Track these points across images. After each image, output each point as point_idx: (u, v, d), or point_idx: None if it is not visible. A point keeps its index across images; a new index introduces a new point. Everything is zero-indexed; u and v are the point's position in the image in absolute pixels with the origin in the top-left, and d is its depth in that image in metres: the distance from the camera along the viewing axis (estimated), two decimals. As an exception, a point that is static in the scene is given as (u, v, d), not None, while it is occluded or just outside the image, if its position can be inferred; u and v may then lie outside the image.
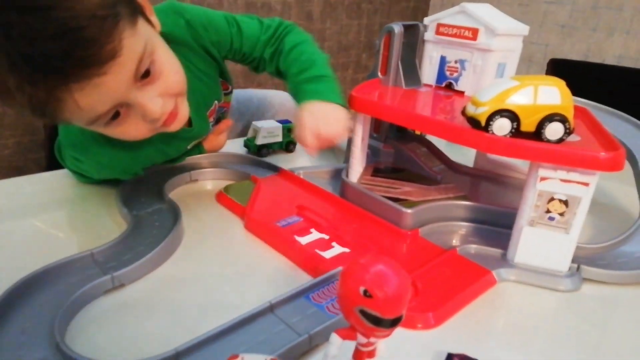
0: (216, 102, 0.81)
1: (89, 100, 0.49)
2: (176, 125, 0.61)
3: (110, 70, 0.48)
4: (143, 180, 0.72)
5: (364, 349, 0.38)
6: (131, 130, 0.57)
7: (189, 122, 0.72)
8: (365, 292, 0.33)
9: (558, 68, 1.22)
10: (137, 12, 0.53)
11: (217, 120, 0.86)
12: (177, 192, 0.73)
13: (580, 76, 1.21)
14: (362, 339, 0.37)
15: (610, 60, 1.75)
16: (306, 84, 0.76)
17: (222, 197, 0.69)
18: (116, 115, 0.54)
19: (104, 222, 0.64)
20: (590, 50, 1.79)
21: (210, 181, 0.77)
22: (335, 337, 0.36)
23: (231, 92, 1.06)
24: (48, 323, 0.43)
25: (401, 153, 0.79)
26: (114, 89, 0.50)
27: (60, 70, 0.45)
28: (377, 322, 0.34)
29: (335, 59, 2.13)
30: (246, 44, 0.79)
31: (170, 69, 0.58)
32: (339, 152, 0.95)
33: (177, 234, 0.58)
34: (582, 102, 0.77)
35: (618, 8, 1.69)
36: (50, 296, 0.47)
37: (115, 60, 0.48)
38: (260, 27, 0.81)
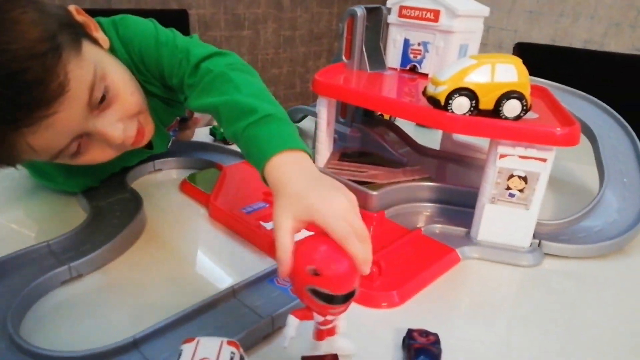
0: (177, 117, 0.75)
1: (44, 140, 0.47)
2: (145, 141, 0.59)
3: (61, 107, 0.45)
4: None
5: (323, 327, 0.38)
6: (97, 156, 0.55)
7: (149, 144, 0.64)
8: (314, 271, 0.33)
9: (524, 52, 1.23)
10: (80, 35, 0.50)
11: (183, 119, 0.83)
12: (140, 182, 0.71)
13: (546, 59, 1.23)
14: (319, 318, 0.37)
15: (577, 44, 1.78)
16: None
17: (186, 185, 0.68)
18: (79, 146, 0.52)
19: (63, 214, 0.62)
20: (557, 35, 1.82)
21: (174, 170, 0.76)
22: (292, 319, 0.36)
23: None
24: (1, 315, 0.42)
25: (368, 137, 0.79)
26: (68, 125, 0.48)
27: (7, 118, 0.43)
28: (329, 299, 0.34)
29: (307, 47, 2.12)
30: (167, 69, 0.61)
31: (126, 90, 0.54)
32: (308, 138, 0.95)
33: (138, 223, 0.57)
34: (544, 82, 0.78)
35: (582, -7, 1.72)
36: (4, 289, 0.45)
37: (64, 97, 0.44)
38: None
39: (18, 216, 0.62)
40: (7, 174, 0.72)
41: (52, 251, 0.51)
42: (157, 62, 0.59)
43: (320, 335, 0.38)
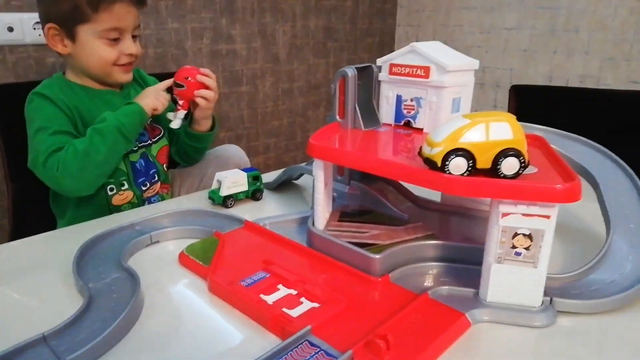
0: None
1: (131, 13, 0.96)
2: (128, 75, 1.02)
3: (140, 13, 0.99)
4: (101, 246, 0.69)
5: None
6: (112, 52, 0.96)
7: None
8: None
9: (520, 94, 1.23)
10: None
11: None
12: (137, 257, 0.70)
13: (542, 100, 1.23)
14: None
15: (574, 79, 1.79)
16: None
17: (184, 258, 0.67)
18: (116, 40, 0.95)
19: (60, 296, 0.60)
20: (553, 72, 1.84)
21: (172, 241, 0.74)
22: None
23: (163, 136, 1.06)
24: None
25: (367, 194, 0.78)
26: (137, 20, 0.98)
27: None
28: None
29: (306, 98, 2.15)
30: None
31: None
32: (306, 194, 0.94)
33: (135, 307, 0.55)
34: (539, 128, 0.77)
35: (574, 30, 1.74)
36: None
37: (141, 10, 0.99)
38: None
39: (12, 300, 0.61)
40: (7, 253, 0.71)
41: (48, 344, 0.49)
42: None
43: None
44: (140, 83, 1.12)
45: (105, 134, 0.88)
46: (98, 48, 0.94)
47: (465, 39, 2.11)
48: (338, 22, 2.17)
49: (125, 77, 1.01)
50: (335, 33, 2.17)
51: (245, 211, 0.87)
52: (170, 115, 0.99)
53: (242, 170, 0.90)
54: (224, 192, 0.86)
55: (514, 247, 0.52)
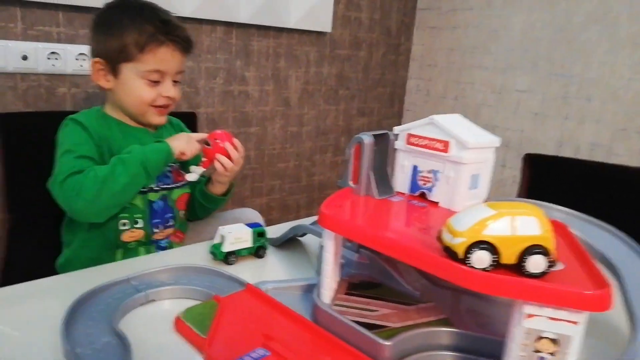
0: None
1: (175, 58, 1.00)
2: (162, 118, 1.04)
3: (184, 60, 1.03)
4: (94, 303, 0.65)
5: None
6: (150, 93, 0.99)
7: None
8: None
9: (533, 163, 1.22)
10: None
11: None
12: (131, 316, 0.66)
13: (554, 170, 1.21)
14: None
15: (584, 147, 1.78)
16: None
17: (180, 325, 0.63)
18: (156, 82, 0.98)
19: (43, 361, 0.56)
20: (563, 137, 1.83)
21: (168, 301, 0.70)
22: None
23: (187, 184, 1.05)
24: None
25: (376, 265, 0.74)
26: (180, 66, 1.02)
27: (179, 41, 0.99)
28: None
29: (314, 142, 2.14)
30: None
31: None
32: (310, 254, 0.90)
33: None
34: (559, 209, 0.74)
35: (587, 98, 1.74)
36: None
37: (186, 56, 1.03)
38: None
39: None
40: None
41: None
42: None
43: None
44: (175, 129, 1.14)
45: (128, 165, 0.88)
46: (138, 87, 0.97)
47: (476, 97, 2.12)
48: (351, 70, 2.18)
49: (159, 119, 1.03)
50: (347, 81, 2.18)
51: (247, 269, 0.83)
52: (192, 167, 1.00)
53: (247, 225, 0.87)
54: (226, 248, 0.82)
55: (537, 351, 0.49)
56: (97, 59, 0.97)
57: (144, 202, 1.00)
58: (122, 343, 0.57)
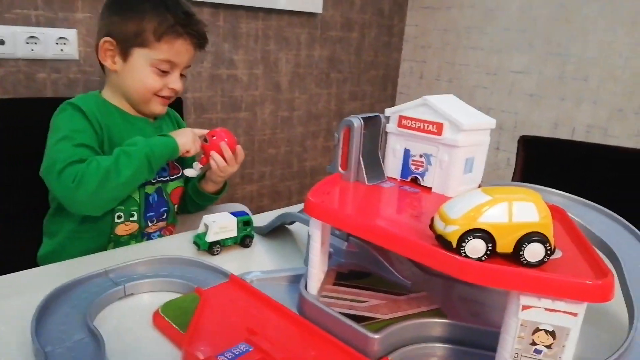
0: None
1: (189, 52, 0.98)
2: (164, 108, 1.02)
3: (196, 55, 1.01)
4: (68, 297, 0.62)
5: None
6: (157, 82, 0.96)
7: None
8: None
9: (528, 145, 1.19)
10: None
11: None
12: (107, 311, 0.62)
13: (550, 152, 1.18)
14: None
15: (580, 128, 1.75)
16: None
17: (158, 319, 0.60)
18: (165, 72, 0.96)
19: (12, 360, 0.53)
20: (559, 119, 1.80)
21: (147, 294, 0.67)
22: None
23: (181, 177, 1.02)
24: None
25: (366, 253, 0.71)
26: (191, 60, 1.00)
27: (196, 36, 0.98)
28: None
29: (306, 127, 2.10)
30: None
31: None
32: (299, 243, 0.87)
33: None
34: (556, 193, 0.71)
35: (583, 78, 1.71)
36: None
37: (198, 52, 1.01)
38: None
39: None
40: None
41: None
42: None
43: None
44: (173, 121, 1.12)
45: (133, 158, 0.85)
46: (146, 74, 0.95)
47: (470, 79, 2.07)
48: (343, 52, 2.13)
49: (161, 109, 1.01)
50: (339, 64, 2.14)
51: (233, 260, 0.80)
52: (194, 164, 0.99)
53: (232, 214, 0.83)
54: (210, 238, 0.79)
55: (534, 343, 0.46)
56: (107, 39, 0.94)
57: (140, 194, 0.96)
58: (96, 340, 0.53)
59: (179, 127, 1.12)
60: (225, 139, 0.98)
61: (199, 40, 0.99)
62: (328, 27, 2.04)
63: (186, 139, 0.94)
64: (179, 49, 0.95)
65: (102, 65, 0.98)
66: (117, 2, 0.96)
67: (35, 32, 1.32)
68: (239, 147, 1.00)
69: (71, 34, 1.37)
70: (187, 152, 0.94)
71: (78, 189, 0.81)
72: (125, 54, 0.94)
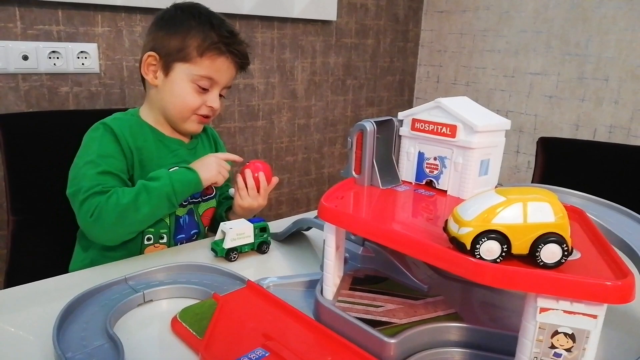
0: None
1: (230, 71, 0.98)
2: (200, 127, 1.01)
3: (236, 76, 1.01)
4: (89, 304, 0.63)
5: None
6: (196, 99, 0.95)
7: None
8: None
9: (548, 147, 1.17)
10: None
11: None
12: (127, 317, 0.64)
13: (569, 153, 1.16)
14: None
15: (601, 129, 1.71)
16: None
17: (176, 325, 0.60)
18: (204, 90, 0.95)
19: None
20: (580, 120, 1.76)
21: (166, 300, 0.68)
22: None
23: (214, 197, 1.01)
24: None
25: (382, 258, 0.71)
26: (231, 80, 1.00)
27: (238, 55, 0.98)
28: None
29: (322, 134, 2.10)
30: None
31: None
32: (315, 248, 0.87)
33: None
34: (574, 194, 0.70)
35: (604, 78, 1.67)
36: None
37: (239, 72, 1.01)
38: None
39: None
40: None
41: None
42: None
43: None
44: (210, 139, 1.11)
45: (153, 196, 0.84)
46: (185, 90, 0.94)
47: (488, 82, 2.05)
48: (358, 59, 2.14)
49: (197, 127, 1.00)
50: (355, 70, 2.14)
51: (249, 266, 0.80)
52: (231, 191, 1.01)
53: (248, 220, 0.84)
54: (227, 245, 0.80)
55: (553, 346, 0.45)
56: (151, 53, 0.94)
57: (170, 217, 0.95)
58: (115, 347, 0.54)
59: (216, 145, 1.11)
60: (252, 173, 0.96)
61: (241, 60, 0.98)
62: (343, 34, 2.05)
63: (209, 173, 0.91)
64: (220, 67, 0.95)
65: (143, 81, 0.99)
66: (163, 19, 0.97)
67: (57, 47, 1.36)
68: (262, 179, 0.98)
69: (92, 48, 1.41)
70: (215, 184, 0.94)
71: (95, 224, 0.82)
72: (167, 69, 0.94)
